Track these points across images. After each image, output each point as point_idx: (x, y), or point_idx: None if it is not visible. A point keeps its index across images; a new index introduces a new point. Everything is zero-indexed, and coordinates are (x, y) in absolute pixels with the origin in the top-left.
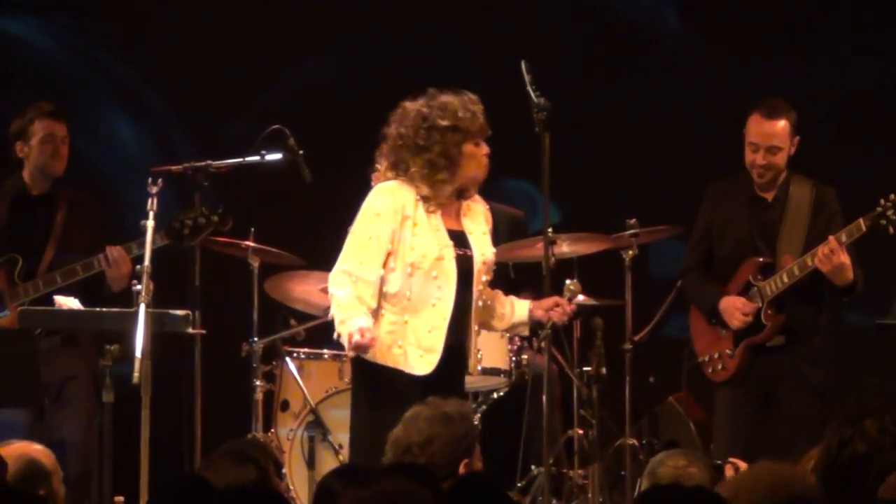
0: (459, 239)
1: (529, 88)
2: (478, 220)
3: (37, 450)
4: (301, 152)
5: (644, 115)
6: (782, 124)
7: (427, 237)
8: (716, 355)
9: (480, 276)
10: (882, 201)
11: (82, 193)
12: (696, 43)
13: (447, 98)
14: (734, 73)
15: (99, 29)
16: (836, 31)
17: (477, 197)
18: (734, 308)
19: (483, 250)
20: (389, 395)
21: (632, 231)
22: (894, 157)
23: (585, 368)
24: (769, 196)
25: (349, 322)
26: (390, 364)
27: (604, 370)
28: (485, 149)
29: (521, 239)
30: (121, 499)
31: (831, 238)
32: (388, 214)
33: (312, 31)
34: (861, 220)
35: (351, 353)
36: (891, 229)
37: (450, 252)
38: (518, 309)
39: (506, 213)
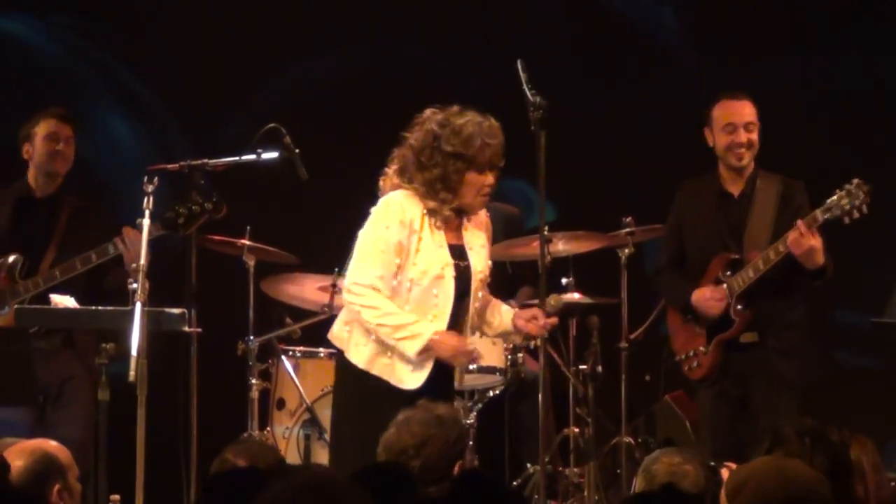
0: (460, 254)
1: (526, 87)
2: (478, 234)
3: (53, 446)
4: (297, 151)
5: (640, 113)
6: (750, 104)
7: (430, 254)
8: (691, 353)
9: (477, 292)
10: (837, 191)
11: (89, 202)
12: (693, 42)
13: (465, 121)
14: (731, 72)
15: (98, 29)
16: (834, 30)
17: None
18: (704, 298)
19: (481, 266)
20: (374, 404)
21: (628, 230)
22: (892, 154)
23: (581, 367)
24: (735, 191)
25: (421, 327)
26: (376, 373)
27: (600, 368)
28: (489, 179)
29: (516, 236)
30: (117, 497)
31: (800, 221)
32: (398, 227)
33: (310, 30)
34: (817, 212)
35: (460, 363)
36: (845, 219)
37: (450, 270)
38: (505, 318)
39: (501, 211)
